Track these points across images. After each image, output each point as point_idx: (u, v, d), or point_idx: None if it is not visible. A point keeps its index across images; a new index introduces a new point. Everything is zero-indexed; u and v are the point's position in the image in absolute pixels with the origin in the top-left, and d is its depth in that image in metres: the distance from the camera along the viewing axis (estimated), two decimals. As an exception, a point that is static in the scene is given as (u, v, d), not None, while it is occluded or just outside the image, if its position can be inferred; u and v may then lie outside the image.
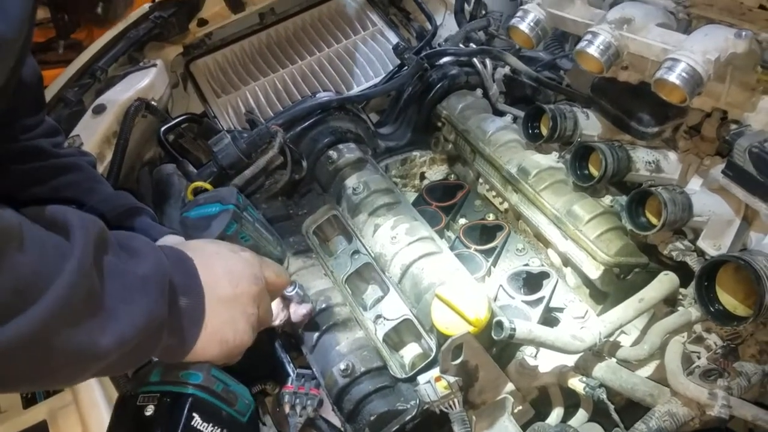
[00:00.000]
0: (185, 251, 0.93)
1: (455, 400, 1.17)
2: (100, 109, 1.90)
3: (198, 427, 0.90)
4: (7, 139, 1.22)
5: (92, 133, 1.83)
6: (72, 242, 0.74)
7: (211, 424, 0.91)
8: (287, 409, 1.24)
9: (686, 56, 1.22)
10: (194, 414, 0.90)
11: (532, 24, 1.54)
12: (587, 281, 1.53)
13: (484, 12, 2.18)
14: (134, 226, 1.27)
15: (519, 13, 1.56)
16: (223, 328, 0.93)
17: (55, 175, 1.28)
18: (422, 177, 2.02)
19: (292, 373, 1.34)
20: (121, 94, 1.96)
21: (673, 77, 1.22)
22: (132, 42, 2.16)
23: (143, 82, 2.02)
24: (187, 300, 0.88)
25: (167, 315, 0.83)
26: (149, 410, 0.89)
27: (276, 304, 1.31)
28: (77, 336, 0.73)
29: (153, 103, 1.97)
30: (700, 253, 1.39)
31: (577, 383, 1.31)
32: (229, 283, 0.95)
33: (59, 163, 1.29)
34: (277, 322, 1.32)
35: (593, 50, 1.36)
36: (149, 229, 1.26)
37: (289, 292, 1.31)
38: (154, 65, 2.10)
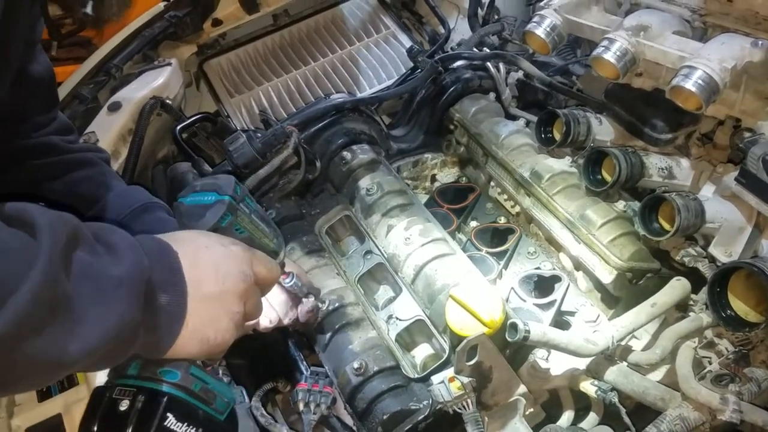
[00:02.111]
0: (172, 243, 0.90)
1: (469, 400, 1.18)
2: (115, 107, 1.91)
3: (172, 427, 0.88)
4: (19, 135, 1.22)
5: (107, 130, 1.85)
6: (38, 243, 0.69)
7: (185, 424, 0.89)
8: (301, 406, 1.25)
9: (703, 64, 1.23)
10: (168, 414, 0.88)
11: (548, 29, 1.55)
12: (599, 285, 1.54)
13: (497, 16, 2.20)
14: (150, 222, 1.26)
15: (535, 19, 1.57)
16: (204, 326, 0.90)
17: (67, 171, 1.27)
18: (433, 179, 2.03)
19: (305, 371, 1.34)
20: (137, 92, 1.97)
21: (690, 84, 1.23)
22: (147, 40, 2.18)
23: (158, 80, 2.03)
24: (167, 297, 0.85)
25: (141, 317, 0.80)
26: (123, 405, 0.87)
27: (284, 304, 1.32)
28: (43, 344, 0.69)
29: (168, 101, 1.98)
30: (712, 259, 1.40)
31: (588, 386, 1.32)
32: (215, 280, 0.92)
33: (72, 158, 1.29)
34: (286, 321, 1.33)
35: (610, 56, 1.37)
36: (165, 224, 1.25)
37: (287, 283, 1.29)
38: (169, 64, 2.11)
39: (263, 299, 1.04)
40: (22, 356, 0.68)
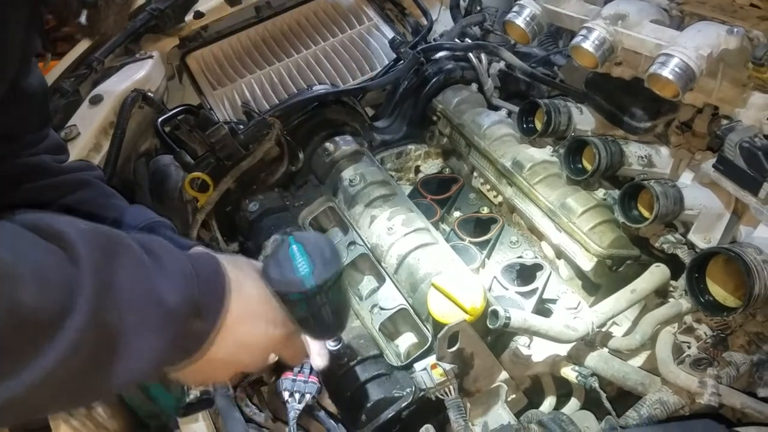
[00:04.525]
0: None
1: (451, 386, 1.19)
2: (96, 100, 1.90)
3: None
4: (11, 155, 1.19)
5: (89, 124, 1.84)
6: (78, 266, 0.65)
7: None
8: (286, 396, 1.25)
9: (679, 51, 1.24)
10: None
11: (528, 19, 1.56)
12: (580, 273, 1.55)
13: (479, 8, 2.20)
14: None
15: (515, 8, 1.58)
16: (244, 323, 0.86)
17: (65, 193, 1.22)
18: (417, 170, 2.03)
19: (290, 361, 1.34)
20: (118, 85, 1.96)
21: (667, 72, 1.24)
22: (129, 33, 2.16)
23: (140, 73, 2.02)
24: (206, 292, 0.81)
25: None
26: None
27: None
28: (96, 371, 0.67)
29: (150, 94, 1.97)
30: (691, 246, 1.41)
31: (569, 372, 1.33)
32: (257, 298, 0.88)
33: (67, 179, 1.24)
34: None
35: (588, 45, 1.38)
36: (173, 242, 1.23)
37: (333, 346, 1.30)
38: (151, 57, 2.11)
39: None
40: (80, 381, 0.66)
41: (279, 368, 1.40)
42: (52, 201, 1.22)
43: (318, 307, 0.97)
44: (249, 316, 0.87)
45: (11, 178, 1.19)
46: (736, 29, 1.25)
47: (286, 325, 0.92)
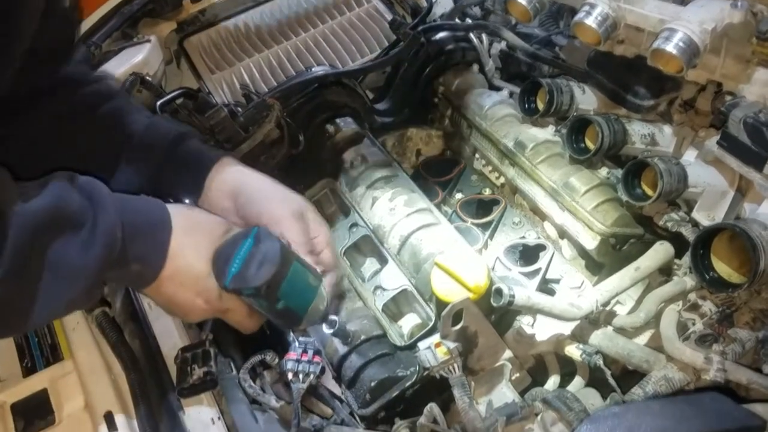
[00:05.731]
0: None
1: (455, 365, 1.19)
2: (95, 84, 1.88)
3: None
4: (47, 69, 1.19)
5: (88, 108, 1.82)
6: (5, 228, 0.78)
7: None
8: (290, 376, 1.24)
9: (683, 26, 1.23)
10: None
11: (529, -4, 1.55)
12: (583, 253, 1.55)
13: (479, -13, 2.18)
14: (188, 151, 1.23)
15: (516, -14, 1.57)
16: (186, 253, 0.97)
17: (101, 100, 1.23)
18: (418, 153, 2.02)
19: (294, 341, 1.34)
20: (116, 69, 1.94)
21: (671, 47, 1.23)
22: (126, 17, 2.14)
23: (138, 57, 2.00)
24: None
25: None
26: None
27: None
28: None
29: (148, 78, 1.95)
30: (695, 224, 1.41)
31: (573, 350, 1.33)
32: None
33: (100, 87, 1.25)
34: None
35: (591, 21, 1.37)
36: (202, 153, 1.24)
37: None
38: (148, 41, 2.09)
39: None
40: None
41: (281, 351, 1.40)
42: (89, 110, 1.21)
43: (251, 301, 1.02)
44: (179, 282, 0.97)
45: (50, 89, 1.20)
46: (740, 3, 1.23)
47: (219, 301, 1.01)
